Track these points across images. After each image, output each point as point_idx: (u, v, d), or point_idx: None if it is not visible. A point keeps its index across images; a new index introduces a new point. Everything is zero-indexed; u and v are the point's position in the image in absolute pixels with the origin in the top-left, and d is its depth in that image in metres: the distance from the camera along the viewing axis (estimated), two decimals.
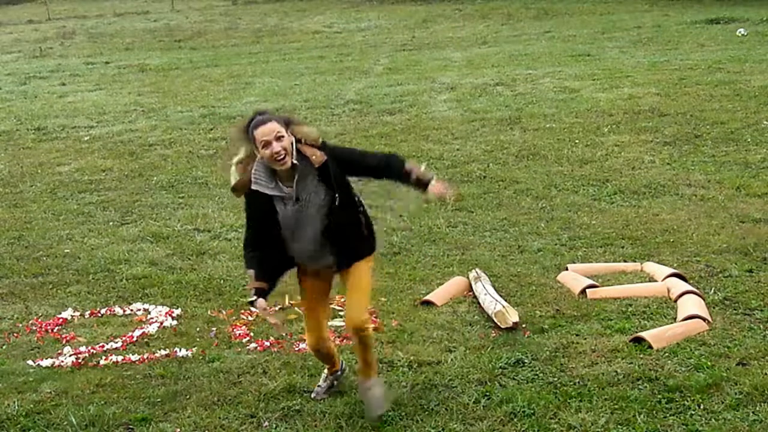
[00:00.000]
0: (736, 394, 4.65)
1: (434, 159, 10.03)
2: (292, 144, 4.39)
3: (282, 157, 4.34)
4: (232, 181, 4.51)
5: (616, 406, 4.61)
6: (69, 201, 9.35)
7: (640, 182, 8.73)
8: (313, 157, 4.43)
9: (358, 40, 22.74)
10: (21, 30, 29.41)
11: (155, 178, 10.02)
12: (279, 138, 4.34)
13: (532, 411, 4.60)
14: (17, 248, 7.88)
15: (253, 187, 4.45)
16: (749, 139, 10.00)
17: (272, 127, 4.34)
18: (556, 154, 9.97)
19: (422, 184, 4.57)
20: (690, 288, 5.92)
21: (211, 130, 12.35)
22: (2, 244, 8.03)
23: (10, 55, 23.15)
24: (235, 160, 4.48)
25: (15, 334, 6.02)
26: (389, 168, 4.64)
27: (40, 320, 6.23)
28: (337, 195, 4.45)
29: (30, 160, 11.24)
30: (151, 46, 23.93)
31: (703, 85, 13.01)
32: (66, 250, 7.71)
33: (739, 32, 18.53)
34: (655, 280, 6.24)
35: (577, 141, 10.46)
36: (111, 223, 8.48)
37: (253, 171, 4.44)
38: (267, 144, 4.33)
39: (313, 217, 4.45)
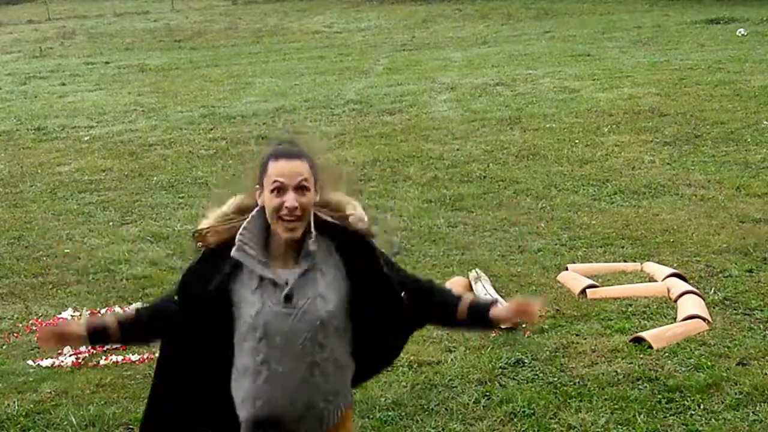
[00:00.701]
0: (736, 394, 4.65)
1: (434, 159, 10.04)
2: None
3: (294, 217, 2.76)
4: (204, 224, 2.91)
5: (616, 406, 4.62)
6: (69, 201, 9.34)
7: (640, 182, 8.73)
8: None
9: (358, 40, 22.74)
10: (21, 30, 29.38)
11: (155, 178, 10.01)
12: (300, 188, 2.77)
13: (532, 411, 4.60)
14: (17, 248, 7.88)
15: (234, 253, 2.79)
16: (749, 139, 10.00)
17: (298, 168, 2.77)
18: (556, 154, 9.97)
19: (480, 314, 2.96)
20: (690, 288, 5.92)
21: (211, 130, 12.34)
22: (2, 244, 8.03)
23: (10, 55, 23.13)
24: (232, 205, 2.91)
25: (15, 334, 6.02)
26: (437, 293, 3.03)
27: (40, 320, 6.22)
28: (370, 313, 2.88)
29: (30, 160, 11.23)
30: (151, 46, 23.92)
31: (703, 85, 13.01)
32: (66, 250, 7.70)
33: (739, 32, 18.53)
34: (655, 280, 6.24)
35: (577, 141, 10.46)
36: (111, 223, 8.48)
37: (241, 230, 2.81)
38: (281, 189, 2.75)
39: (301, 335, 2.77)
